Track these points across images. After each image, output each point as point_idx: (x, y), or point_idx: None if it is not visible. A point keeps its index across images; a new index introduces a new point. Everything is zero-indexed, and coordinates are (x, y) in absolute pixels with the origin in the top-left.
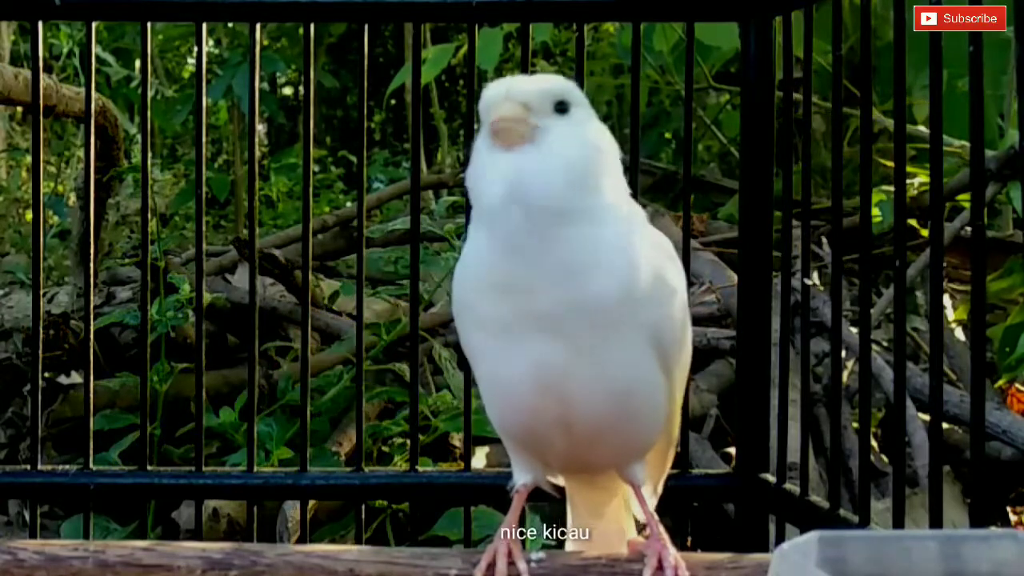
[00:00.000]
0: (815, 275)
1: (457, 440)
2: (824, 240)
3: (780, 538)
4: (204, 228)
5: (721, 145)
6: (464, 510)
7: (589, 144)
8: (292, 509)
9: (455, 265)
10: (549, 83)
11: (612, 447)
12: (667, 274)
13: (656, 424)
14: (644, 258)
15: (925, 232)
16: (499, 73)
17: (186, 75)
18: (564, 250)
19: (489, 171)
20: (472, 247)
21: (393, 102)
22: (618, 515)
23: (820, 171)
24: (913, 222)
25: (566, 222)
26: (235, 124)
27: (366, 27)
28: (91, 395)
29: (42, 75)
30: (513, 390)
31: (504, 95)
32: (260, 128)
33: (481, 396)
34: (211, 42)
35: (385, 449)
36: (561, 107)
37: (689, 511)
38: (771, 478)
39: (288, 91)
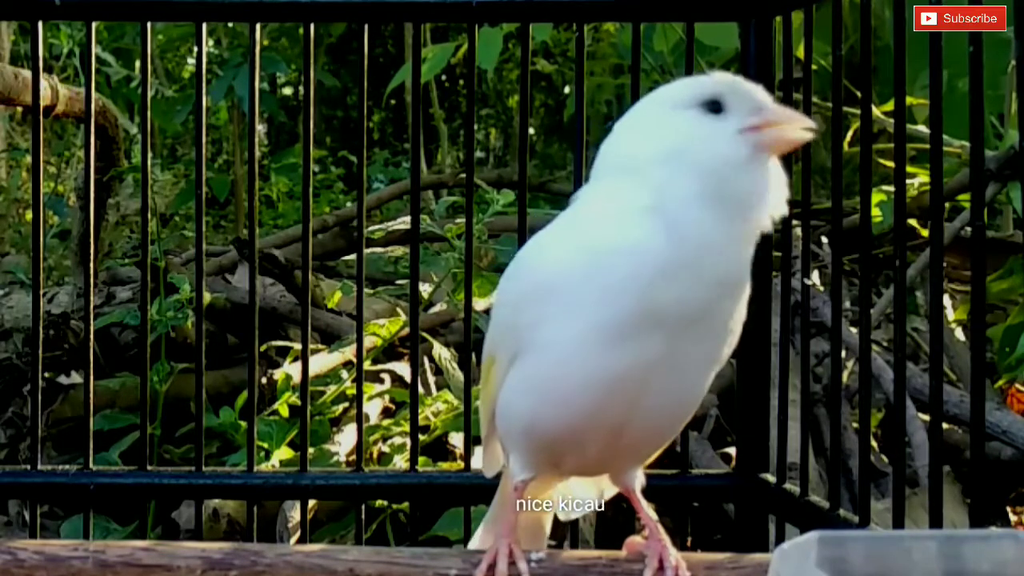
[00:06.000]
0: (815, 275)
1: (457, 440)
2: (824, 240)
3: (780, 538)
4: (204, 228)
5: None
6: (464, 510)
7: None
8: (292, 509)
9: (530, 247)
10: None
11: (641, 453)
12: None
13: (679, 430)
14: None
15: (925, 232)
16: (499, 74)
17: (186, 75)
18: (743, 260)
19: (766, 180)
20: (626, 227)
21: (393, 102)
22: (541, 511)
23: (820, 171)
24: (913, 222)
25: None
26: (235, 124)
27: (366, 27)
28: (91, 395)
29: (42, 75)
30: (582, 387)
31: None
32: (260, 128)
33: (507, 387)
34: (211, 42)
35: (385, 449)
36: None
37: (689, 511)
38: (771, 478)
39: (288, 91)
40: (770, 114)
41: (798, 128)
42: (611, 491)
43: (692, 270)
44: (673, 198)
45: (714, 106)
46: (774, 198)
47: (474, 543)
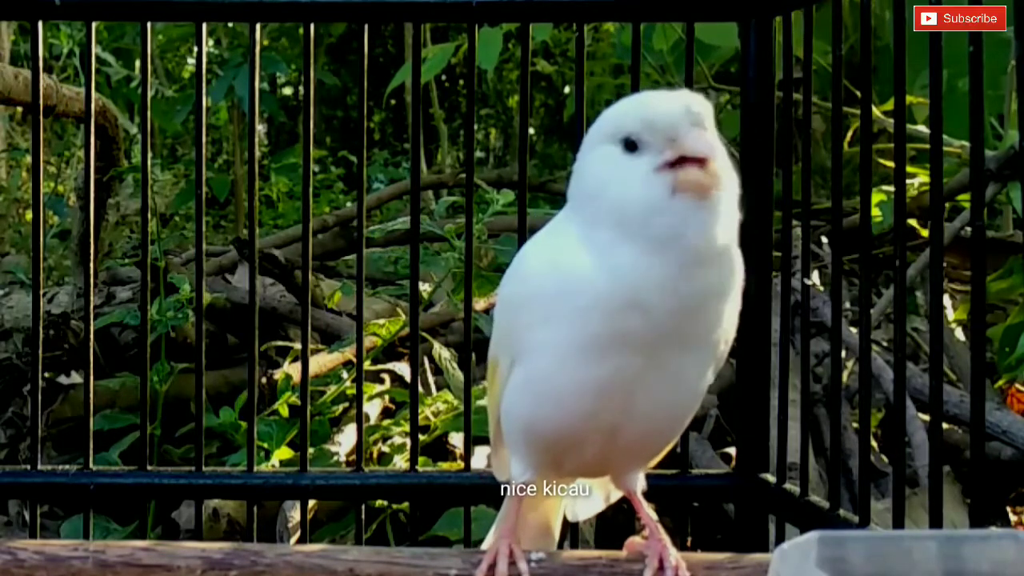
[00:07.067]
0: (815, 275)
1: (457, 440)
2: (824, 240)
3: (780, 538)
4: (204, 228)
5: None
6: (464, 510)
7: (736, 181)
8: (292, 509)
9: (521, 255)
10: (708, 106)
11: (640, 455)
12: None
13: (680, 432)
14: (741, 287)
15: (925, 232)
16: (499, 74)
17: (186, 75)
18: (705, 284)
19: (687, 217)
20: (577, 258)
21: (393, 102)
22: (550, 510)
23: (820, 171)
24: (913, 222)
25: (716, 259)
26: (235, 124)
27: (366, 27)
28: (91, 395)
29: (42, 75)
30: (574, 391)
31: (692, 120)
32: (260, 128)
33: (508, 389)
34: (211, 42)
35: (385, 449)
36: None
37: (689, 511)
38: (771, 478)
39: (288, 91)
40: (681, 148)
41: (708, 173)
42: (617, 493)
43: (643, 304)
44: (600, 237)
45: (629, 144)
46: (702, 232)
47: (485, 546)
